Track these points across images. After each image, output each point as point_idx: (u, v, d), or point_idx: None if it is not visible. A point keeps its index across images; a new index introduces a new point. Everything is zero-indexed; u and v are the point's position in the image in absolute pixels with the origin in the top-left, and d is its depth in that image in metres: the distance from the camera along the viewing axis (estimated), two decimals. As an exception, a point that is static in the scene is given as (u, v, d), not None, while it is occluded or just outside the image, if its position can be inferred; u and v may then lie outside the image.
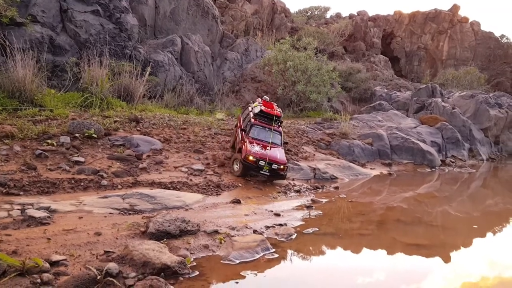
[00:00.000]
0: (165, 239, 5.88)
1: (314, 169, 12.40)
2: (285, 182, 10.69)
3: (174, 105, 16.52)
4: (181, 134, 11.96)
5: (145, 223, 6.29)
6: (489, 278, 5.88)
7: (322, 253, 6.52)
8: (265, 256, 5.91)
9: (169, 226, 6.11)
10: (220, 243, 6.14)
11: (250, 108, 11.57)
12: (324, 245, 6.77)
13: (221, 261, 5.61)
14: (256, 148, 10.16)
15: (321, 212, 8.65)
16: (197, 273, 5.15)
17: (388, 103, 24.57)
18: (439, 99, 23.45)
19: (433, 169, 16.76)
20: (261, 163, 9.92)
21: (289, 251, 6.28)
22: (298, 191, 10.23)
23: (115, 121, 11.35)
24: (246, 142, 10.25)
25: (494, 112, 22.97)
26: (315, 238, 6.98)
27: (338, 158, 14.71)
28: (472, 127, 21.54)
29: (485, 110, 22.74)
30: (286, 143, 11.95)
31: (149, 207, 7.28)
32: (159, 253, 5.18)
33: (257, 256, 5.85)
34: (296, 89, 20.83)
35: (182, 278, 4.94)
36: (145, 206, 7.27)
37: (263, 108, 11.12)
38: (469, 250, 7.23)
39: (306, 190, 10.54)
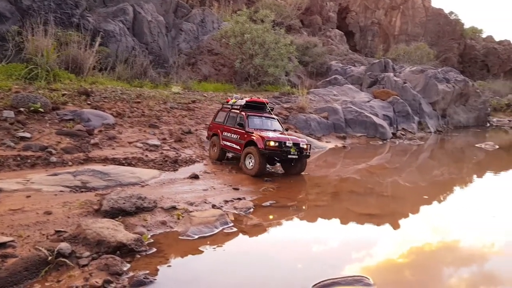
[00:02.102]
0: (120, 217, 5.72)
1: (272, 143, 12.46)
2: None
3: (127, 77, 15.84)
4: (135, 108, 11.53)
5: (98, 200, 6.07)
6: (433, 242, 6.28)
7: (280, 225, 6.64)
8: (224, 230, 5.92)
9: (124, 203, 5.93)
10: (178, 219, 6.07)
11: (230, 106, 10.58)
12: (282, 217, 6.90)
13: (180, 237, 5.55)
14: (271, 134, 9.40)
15: (279, 185, 8.77)
16: (155, 249, 5.07)
17: (343, 78, 25.05)
18: (391, 74, 24.23)
19: (385, 142, 17.47)
20: (288, 144, 9.02)
21: (248, 225, 6.33)
22: (256, 165, 10.27)
23: (63, 95, 10.70)
24: (253, 133, 9.33)
25: (442, 87, 24.13)
26: (273, 211, 7.09)
27: (295, 132, 14.91)
28: (421, 101, 22.54)
29: (433, 84, 23.82)
30: (286, 129, 11.11)
31: (103, 184, 7.02)
32: (114, 231, 5.02)
33: (216, 231, 5.84)
34: (254, 63, 20.63)
35: (139, 256, 4.84)
36: (98, 183, 7.00)
37: (247, 99, 10.42)
38: (416, 218, 7.67)
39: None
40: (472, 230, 7.04)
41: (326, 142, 15.26)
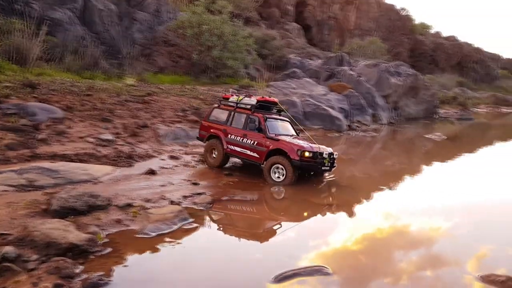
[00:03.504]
0: (71, 217, 5.41)
1: (231, 136, 12.37)
2: (202, 151, 10.50)
3: (77, 69, 15.02)
4: (86, 101, 10.96)
5: (47, 200, 5.72)
6: (385, 228, 6.54)
7: (240, 218, 6.59)
8: (184, 227, 5.78)
9: (75, 202, 5.62)
10: (135, 216, 5.84)
11: (234, 104, 9.41)
12: (242, 210, 6.85)
13: (136, 235, 5.35)
14: (301, 142, 8.56)
15: (239, 178, 8.71)
16: (110, 249, 4.84)
17: (302, 71, 25.33)
18: (347, 68, 24.83)
19: (341, 134, 17.89)
20: (325, 155, 8.37)
21: (208, 220, 6.23)
22: (215, 159, 10.14)
23: (5, 87, 9.94)
24: (278, 140, 8.45)
25: (394, 80, 25.06)
26: (234, 205, 7.03)
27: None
28: (375, 94, 23.29)
29: (386, 78, 24.68)
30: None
31: (51, 182, 6.61)
32: (64, 231, 4.75)
33: (175, 227, 5.69)
34: (212, 55, 20.32)
35: (93, 257, 4.61)
36: (46, 181, 6.58)
37: (258, 97, 9.42)
38: (370, 206, 7.93)
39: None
40: (421, 215, 7.38)
41: (285, 134, 15.38)
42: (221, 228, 6.16)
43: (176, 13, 24.03)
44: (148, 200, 6.52)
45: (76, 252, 4.54)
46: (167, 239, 5.33)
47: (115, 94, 12.34)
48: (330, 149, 8.71)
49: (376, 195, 8.66)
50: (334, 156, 8.66)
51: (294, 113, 17.56)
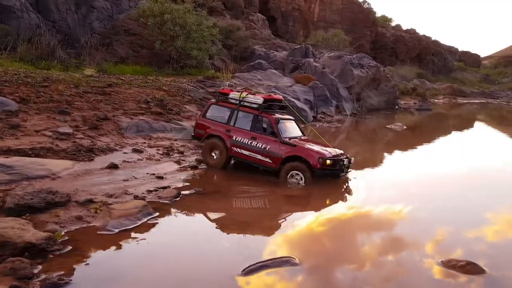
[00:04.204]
0: (28, 214, 5.15)
1: (197, 128, 12.19)
2: (167, 143, 10.27)
3: (31, 58, 14.22)
4: (42, 93, 10.40)
5: (0, 197, 5.38)
6: (347, 213, 6.72)
7: (206, 212, 6.50)
8: (148, 222, 5.63)
9: (31, 199, 5.33)
10: (96, 212, 5.63)
11: (237, 102, 8.75)
12: (208, 204, 6.76)
13: (98, 232, 5.16)
14: (318, 147, 8.24)
15: (205, 172, 8.60)
16: (70, 247, 4.65)
17: (267, 62, 25.32)
18: (312, 59, 25.07)
19: (306, 125, 18.09)
20: (345, 162, 8.18)
21: (173, 214, 6.10)
22: (181, 152, 9.95)
23: (-50, 77, 9.25)
24: (295, 145, 8.09)
25: (357, 72, 25.60)
26: (199, 199, 6.92)
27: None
28: (339, 85, 23.70)
29: (349, 70, 25.16)
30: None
31: (5, 178, 6.22)
32: (20, 230, 4.50)
33: (139, 223, 5.53)
34: (176, 45, 19.85)
35: (52, 255, 4.41)
36: (-1, 177, 6.19)
37: (264, 95, 8.85)
38: (335, 195, 8.06)
39: (190, 150, 10.33)
40: (382, 201, 7.61)
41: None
42: (188, 222, 6.06)
43: (137, 1, 23.22)
44: (110, 196, 6.30)
45: (34, 251, 4.33)
46: (131, 235, 5.18)
47: (74, 85, 11.78)
48: (341, 151, 8.54)
49: (338, 185, 8.78)
50: (351, 161, 8.47)
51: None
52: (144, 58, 20.43)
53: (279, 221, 6.47)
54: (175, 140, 10.90)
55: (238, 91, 8.97)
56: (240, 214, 6.57)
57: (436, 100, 40.49)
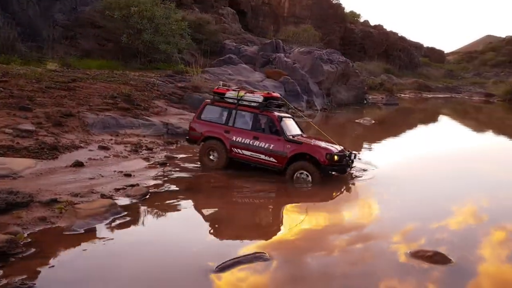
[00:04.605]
0: (-15, 217, 4.89)
1: (167, 124, 11.98)
2: (135, 140, 10.03)
3: (-11, 52, 13.52)
4: (0, 89, 9.90)
5: (-45, 200, 5.08)
6: (319, 213, 6.78)
7: (176, 209, 6.38)
8: (116, 221, 5.47)
9: (-10, 200, 5.06)
10: (61, 213, 5.42)
11: (235, 101, 8.47)
12: (179, 201, 6.64)
13: (64, 233, 4.97)
14: (324, 144, 8.11)
15: (177, 168, 8.45)
16: (34, 250, 4.46)
17: (237, 57, 25.17)
18: (282, 55, 25.15)
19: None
20: (352, 157, 8.13)
21: (142, 213, 5.95)
22: (150, 149, 9.74)
23: None
24: (301, 142, 7.94)
25: (327, 67, 25.92)
26: (170, 196, 6.79)
27: (191, 112, 14.52)
28: (309, 80, 23.91)
29: (319, 65, 25.43)
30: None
31: (-39, 179, 5.89)
32: (-22, 234, 4.26)
33: (107, 222, 5.37)
34: (143, 38, 19.38)
35: (13, 259, 4.22)
36: (-47, 178, 5.85)
37: (263, 93, 8.59)
38: (305, 191, 8.10)
39: (159, 147, 10.13)
40: (351, 199, 7.75)
41: (222, 121, 15.23)
42: (158, 221, 5.93)
43: (102, -7, 22.49)
44: (76, 195, 6.08)
45: (-6, 255, 4.12)
46: (98, 235, 5.02)
47: (35, 80, 11.28)
48: (342, 147, 8.38)
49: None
50: (356, 156, 8.35)
51: (231, 100, 17.49)
52: (110, 52, 19.84)
53: (253, 218, 6.45)
54: (144, 136, 10.66)
55: (235, 90, 8.71)
56: (212, 211, 6.49)
57: (402, 95, 41.67)
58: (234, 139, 8.29)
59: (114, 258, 4.60)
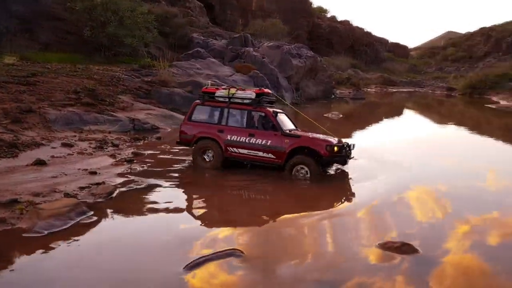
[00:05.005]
0: None
1: (134, 119, 11.68)
2: (100, 136, 9.70)
3: None
4: (-47, 83, 9.31)
5: None
6: (289, 206, 6.80)
7: (144, 207, 6.16)
8: (82, 221, 5.26)
9: None
10: (22, 213, 5.15)
11: (226, 100, 8.27)
12: (147, 199, 6.46)
13: (24, 235, 4.72)
14: (322, 136, 8.14)
15: (144, 165, 8.23)
16: (-8, 253, 4.20)
17: (205, 51, 24.84)
18: (251, 49, 25.06)
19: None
20: (352, 148, 8.09)
21: (109, 212, 5.74)
22: (116, 145, 9.45)
23: None
24: (299, 136, 7.90)
25: (296, 62, 26.07)
26: (137, 193, 6.59)
27: (159, 107, 14.23)
28: (278, 75, 23.97)
29: (288, 60, 25.54)
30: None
31: None
32: None
33: (72, 223, 5.14)
34: (107, 32, 18.75)
35: (-31, 264, 3.95)
36: None
37: (255, 90, 8.41)
38: (276, 185, 8.13)
39: (126, 143, 9.85)
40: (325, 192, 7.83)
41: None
42: (125, 220, 5.74)
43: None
44: (37, 194, 5.80)
45: None
46: (63, 236, 4.80)
47: (-9, 75, 10.68)
48: (338, 139, 8.32)
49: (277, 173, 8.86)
50: (354, 147, 8.30)
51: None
52: (71, 46, 19.04)
53: (223, 214, 6.37)
54: (109, 132, 10.34)
55: (225, 89, 8.53)
56: (182, 208, 6.34)
57: (369, 89, 42.65)
58: (229, 138, 8.11)
59: (79, 260, 4.40)
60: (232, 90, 8.33)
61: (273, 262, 4.61)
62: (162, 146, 10.14)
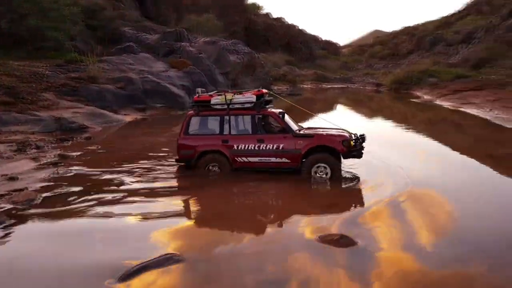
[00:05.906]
0: None
1: (59, 119, 10.86)
2: (21, 138, 8.85)
3: None
4: None
5: None
6: (231, 201, 6.73)
7: (72, 215, 5.67)
8: (0, 232, 4.73)
9: None
10: None
11: (225, 107, 7.55)
12: (75, 206, 5.95)
13: None
14: (334, 131, 7.65)
15: (71, 168, 7.64)
16: None
17: (138, 46, 23.90)
18: (187, 44, 24.55)
19: (184, 111, 17.74)
20: (365, 141, 7.54)
21: (33, 220, 5.24)
22: (39, 147, 8.70)
23: None
24: (312, 136, 7.39)
25: (233, 58, 26.04)
26: (63, 200, 6.06)
27: (87, 105, 13.38)
28: (215, 71, 23.76)
29: (225, 55, 25.43)
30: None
31: None
32: None
33: (-14, 235, 4.61)
34: (28, 24, 17.23)
35: None
36: None
37: (254, 92, 7.71)
38: (221, 184, 8.01)
39: (51, 145, 9.10)
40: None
41: (125, 114, 14.33)
42: (50, 229, 5.25)
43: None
44: None
45: None
46: (-25, 252, 4.28)
47: None
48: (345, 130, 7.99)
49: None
50: (365, 139, 7.70)
51: (133, 91, 16.56)
52: (-15, 39, 17.27)
53: (158, 217, 6.08)
54: (32, 133, 9.52)
55: (219, 95, 7.76)
56: (114, 214, 5.92)
57: (304, 86, 43.89)
58: (236, 148, 7.49)
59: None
60: (229, 95, 7.62)
61: (211, 263, 4.48)
62: (93, 147, 9.52)
